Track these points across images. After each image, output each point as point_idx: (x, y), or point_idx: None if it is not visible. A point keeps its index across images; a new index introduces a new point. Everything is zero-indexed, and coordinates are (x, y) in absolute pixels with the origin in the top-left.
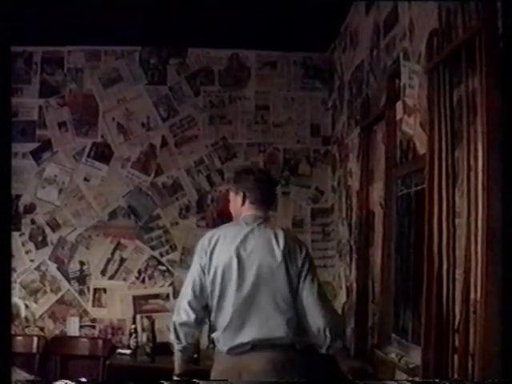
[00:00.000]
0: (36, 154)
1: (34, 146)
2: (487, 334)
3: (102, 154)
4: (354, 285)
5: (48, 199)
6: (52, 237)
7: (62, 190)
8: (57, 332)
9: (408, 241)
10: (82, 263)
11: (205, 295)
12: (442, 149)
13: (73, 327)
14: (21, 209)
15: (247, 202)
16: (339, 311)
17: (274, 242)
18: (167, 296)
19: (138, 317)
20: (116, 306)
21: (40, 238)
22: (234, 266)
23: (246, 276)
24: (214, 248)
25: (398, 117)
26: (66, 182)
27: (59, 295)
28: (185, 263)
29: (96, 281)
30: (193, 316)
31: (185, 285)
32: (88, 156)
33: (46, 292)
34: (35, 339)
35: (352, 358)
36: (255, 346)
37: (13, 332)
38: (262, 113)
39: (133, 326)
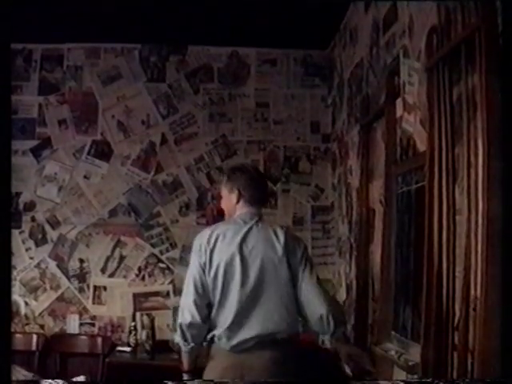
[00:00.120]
0: (36, 152)
1: (33, 143)
2: (487, 332)
3: (102, 151)
4: (354, 282)
5: (48, 197)
6: (52, 234)
7: (62, 188)
8: (56, 329)
9: (408, 238)
10: (81, 261)
11: (207, 293)
12: (442, 146)
13: (73, 325)
14: (21, 206)
15: (242, 200)
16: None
17: (274, 237)
18: (167, 294)
19: (138, 314)
20: (116, 304)
21: (40, 236)
22: (237, 263)
23: (249, 272)
24: (214, 246)
25: (398, 114)
26: (66, 179)
27: (59, 293)
28: (185, 261)
29: (96, 278)
30: (198, 315)
31: (186, 285)
32: (88, 154)
33: (45, 289)
34: (35, 337)
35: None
36: (258, 341)
37: (12, 329)
38: (261, 110)
39: (132, 324)
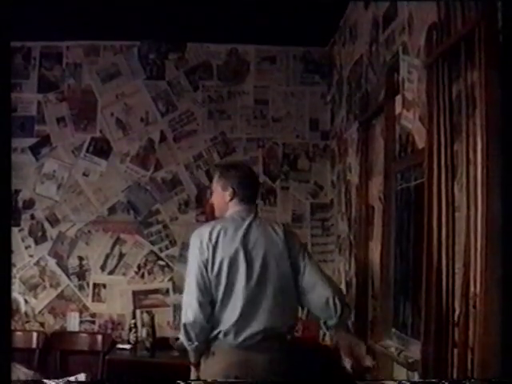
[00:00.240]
0: (35, 150)
1: (32, 141)
2: (487, 328)
3: (101, 149)
4: (354, 279)
5: (47, 194)
6: (51, 232)
7: (61, 186)
8: (57, 327)
9: (407, 235)
10: (81, 258)
11: (210, 290)
12: (441, 142)
13: (72, 322)
14: (20, 204)
15: (236, 198)
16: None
17: (273, 233)
18: (167, 291)
19: (138, 312)
20: (116, 301)
21: (39, 234)
22: (241, 258)
23: (253, 266)
24: (216, 242)
25: (397, 111)
26: (65, 177)
27: (59, 290)
28: (184, 258)
29: (95, 276)
30: (202, 314)
31: (187, 284)
32: (87, 151)
33: (45, 287)
34: (35, 334)
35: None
36: (264, 336)
37: (12, 327)
38: (261, 107)
39: (132, 321)
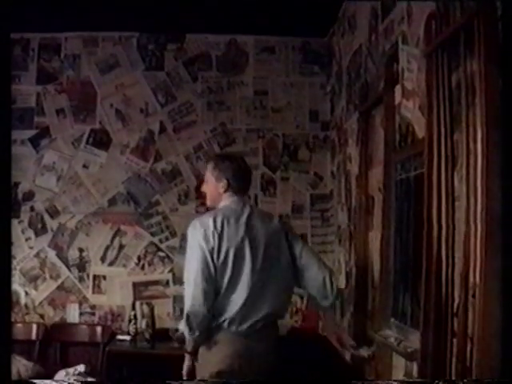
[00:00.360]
0: (34, 141)
1: (32, 133)
2: (486, 318)
3: (101, 140)
4: (354, 270)
5: (47, 186)
6: (51, 224)
7: (61, 177)
8: (56, 319)
9: (407, 225)
10: (81, 250)
11: (214, 279)
12: (440, 132)
13: (72, 314)
14: (20, 196)
15: (230, 190)
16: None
17: (269, 221)
18: (167, 282)
19: (138, 303)
20: (115, 293)
21: (39, 225)
22: (247, 246)
23: (258, 254)
24: (222, 231)
25: (397, 101)
26: (65, 168)
27: (59, 282)
28: (184, 249)
29: (96, 267)
30: (206, 303)
31: (190, 273)
32: (86, 143)
33: (45, 279)
34: (35, 326)
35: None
36: (264, 323)
37: (13, 319)
38: (260, 98)
39: (132, 313)
